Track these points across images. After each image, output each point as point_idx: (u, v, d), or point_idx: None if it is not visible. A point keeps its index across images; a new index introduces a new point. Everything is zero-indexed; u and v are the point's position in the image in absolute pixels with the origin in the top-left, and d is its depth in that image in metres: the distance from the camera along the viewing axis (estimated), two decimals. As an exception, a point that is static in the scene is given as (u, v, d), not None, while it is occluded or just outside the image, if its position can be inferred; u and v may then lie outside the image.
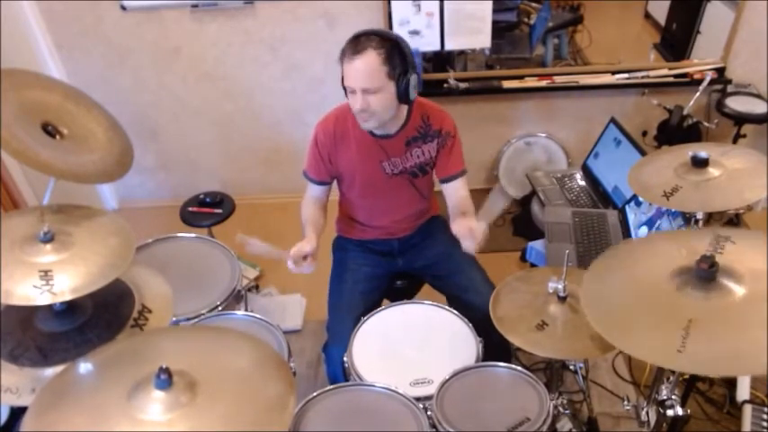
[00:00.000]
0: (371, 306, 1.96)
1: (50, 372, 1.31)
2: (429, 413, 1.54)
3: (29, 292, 1.25)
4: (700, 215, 1.75)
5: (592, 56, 3.34)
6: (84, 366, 1.21)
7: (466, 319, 1.84)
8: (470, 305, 1.89)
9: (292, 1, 2.94)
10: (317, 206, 2.01)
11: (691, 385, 1.99)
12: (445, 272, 2.03)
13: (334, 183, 2.05)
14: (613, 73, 3.09)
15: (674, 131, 2.98)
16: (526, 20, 3.35)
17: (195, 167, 3.50)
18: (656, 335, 1.18)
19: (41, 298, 1.25)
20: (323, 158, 1.94)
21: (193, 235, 2.18)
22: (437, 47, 3.00)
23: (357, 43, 1.70)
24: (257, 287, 2.92)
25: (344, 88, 1.79)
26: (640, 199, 2.36)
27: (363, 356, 1.75)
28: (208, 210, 2.67)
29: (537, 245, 2.58)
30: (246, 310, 2.06)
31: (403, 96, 1.77)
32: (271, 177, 3.52)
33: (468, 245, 1.75)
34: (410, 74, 1.76)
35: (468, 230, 1.74)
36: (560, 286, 1.57)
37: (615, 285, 1.34)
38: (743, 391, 2.17)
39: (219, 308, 1.92)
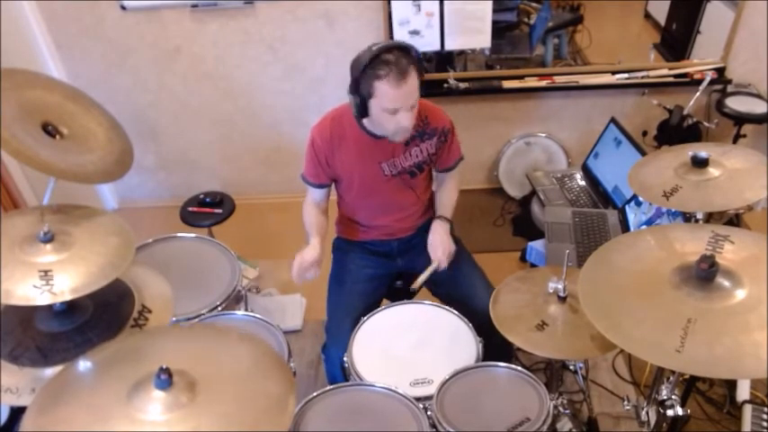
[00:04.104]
0: (370, 307, 1.96)
1: (50, 372, 1.31)
2: (429, 413, 1.54)
3: (29, 292, 1.25)
4: (700, 215, 1.75)
5: (592, 56, 3.34)
6: (84, 366, 1.21)
7: (466, 319, 1.84)
8: (471, 310, 1.89)
9: (292, 1, 2.94)
10: (318, 209, 2.02)
11: (691, 385, 1.99)
12: (445, 276, 2.03)
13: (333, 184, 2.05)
14: (613, 73, 3.09)
15: (674, 131, 2.98)
16: (526, 20, 3.35)
17: (195, 167, 3.50)
18: (654, 333, 1.18)
19: (41, 298, 1.25)
20: (320, 162, 1.94)
21: (193, 235, 2.18)
22: (437, 47, 3.00)
23: (397, 65, 1.67)
24: (257, 287, 2.92)
25: (361, 106, 1.76)
26: (640, 199, 2.36)
27: (363, 356, 1.75)
28: (208, 210, 2.67)
29: (537, 245, 2.58)
30: (246, 310, 2.06)
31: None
32: (271, 177, 3.52)
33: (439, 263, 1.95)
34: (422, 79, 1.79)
35: (442, 251, 1.95)
36: (560, 286, 1.58)
37: (613, 281, 1.34)
38: (743, 392, 2.17)
39: (219, 308, 1.92)
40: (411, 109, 1.75)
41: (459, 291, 2.00)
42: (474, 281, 2.01)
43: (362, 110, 1.78)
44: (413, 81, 1.70)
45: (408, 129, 1.80)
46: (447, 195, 2.10)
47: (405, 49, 1.71)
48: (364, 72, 1.69)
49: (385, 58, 1.68)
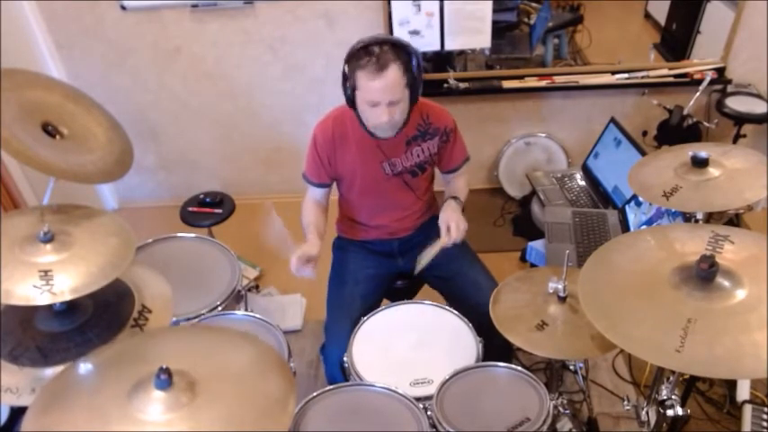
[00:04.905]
0: (370, 307, 1.95)
1: (50, 372, 1.31)
2: (429, 413, 1.54)
3: (29, 292, 1.25)
4: (700, 215, 1.75)
5: (592, 56, 3.34)
6: (85, 366, 1.21)
7: (466, 319, 1.84)
8: (473, 306, 1.88)
9: (292, 1, 2.94)
10: (317, 209, 2.00)
11: (691, 385, 1.99)
12: (447, 273, 2.03)
13: (334, 184, 2.05)
14: (613, 73, 3.09)
15: (674, 131, 2.98)
16: (526, 20, 3.35)
17: (195, 167, 3.50)
18: (654, 333, 1.18)
19: (41, 298, 1.25)
20: (322, 161, 1.94)
21: (193, 235, 2.18)
22: (437, 47, 3.00)
23: (378, 58, 1.67)
24: (257, 287, 2.92)
25: (350, 97, 1.78)
26: (640, 199, 2.36)
27: (363, 356, 1.75)
28: (208, 210, 2.67)
29: (537, 245, 2.58)
30: (246, 310, 2.06)
31: (413, 101, 1.80)
32: (271, 177, 3.52)
33: (446, 240, 1.88)
34: (419, 79, 1.77)
35: (454, 225, 1.86)
36: (560, 286, 1.58)
37: (613, 281, 1.34)
38: (743, 391, 2.17)
39: (219, 308, 1.92)
40: (390, 105, 1.72)
41: (463, 288, 2.00)
42: (478, 278, 2.00)
43: (352, 101, 1.79)
44: (393, 76, 1.68)
45: (386, 126, 1.78)
46: (458, 186, 2.07)
47: (395, 45, 1.71)
48: (349, 61, 1.72)
49: (370, 49, 1.69)
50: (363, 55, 1.69)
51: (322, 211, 2.02)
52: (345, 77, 1.76)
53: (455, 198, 2.01)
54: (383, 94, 1.70)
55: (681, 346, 1.13)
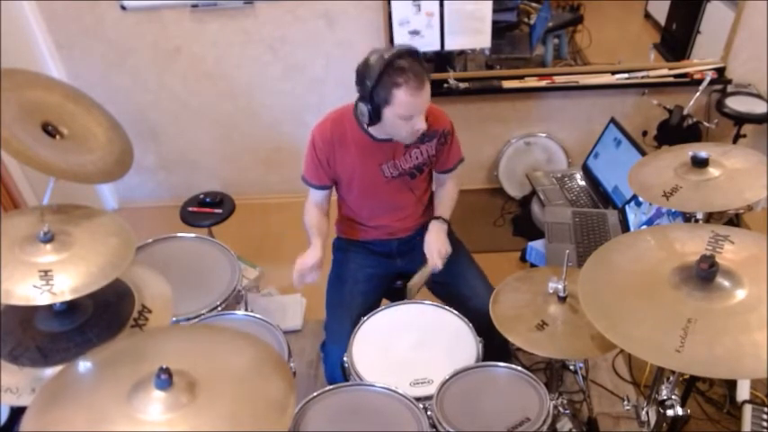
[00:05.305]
0: (370, 306, 1.96)
1: (50, 372, 1.31)
2: (429, 413, 1.54)
3: (29, 292, 1.25)
4: (699, 215, 1.75)
5: (592, 56, 3.34)
6: (84, 366, 1.21)
7: (466, 319, 1.84)
8: (471, 310, 1.88)
9: (292, 1, 2.94)
10: (318, 211, 2.01)
11: (691, 385, 1.99)
12: (446, 278, 2.02)
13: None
14: (613, 73, 3.09)
15: (674, 131, 2.98)
16: (526, 20, 3.35)
17: (195, 167, 3.50)
18: (654, 333, 1.18)
19: (41, 298, 1.25)
20: (321, 163, 1.94)
21: (193, 235, 2.18)
22: (437, 47, 3.00)
23: (415, 74, 1.68)
24: (257, 287, 2.92)
25: (375, 114, 1.75)
26: (640, 199, 2.36)
27: (363, 356, 1.75)
28: (208, 210, 2.67)
29: (537, 245, 2.58)
30: (246, 310, 2.06)
31: None
32: (271, 177, 3.52)
33: (434, 264, 1.93)
34: None
35: (437, 252, 1.93)
36: (560, 286, 1.58)
37: (613, 281, 1.34)
38: (743, 391, 2.17)
39: (219, 308, 1.92)
40: (423, 112, 1.76)
41: (460, 291, 2.00)
42: (474, 281, 2.01)
43: (375, 117, 1.76)
44: (428, 87, 1.72)
45: (422, 131, 1.80)
46: (446, 196, 2.10)
47: (413, 54, 1.72)
48: (380, 80, 1.68)
49: (399, 64, 1.67)
50: (397, 73, 1.67)
51: (323, 214, 2.03)
52: (371, 95, 1.71)
53: (440, 218, 2.02)
54: (423, 106, 1.74)
55: (681, 346, 1.13)
